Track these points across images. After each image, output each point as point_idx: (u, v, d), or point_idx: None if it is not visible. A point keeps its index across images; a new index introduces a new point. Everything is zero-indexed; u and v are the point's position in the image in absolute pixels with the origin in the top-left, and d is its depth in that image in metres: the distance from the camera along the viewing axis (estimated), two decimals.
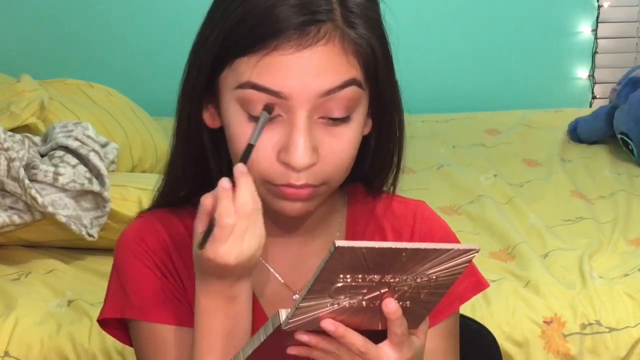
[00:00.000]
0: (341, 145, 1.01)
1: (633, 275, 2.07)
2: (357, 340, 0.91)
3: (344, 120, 1.00)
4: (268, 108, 0.98)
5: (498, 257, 2.18)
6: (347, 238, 1.14)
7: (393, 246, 0.85)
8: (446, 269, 0.89)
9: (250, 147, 0.98)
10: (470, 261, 0.89)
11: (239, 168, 0.97)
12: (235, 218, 0.95)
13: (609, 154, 2.92)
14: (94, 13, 3.37)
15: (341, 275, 0.86)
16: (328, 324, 0.90)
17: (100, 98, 2.65)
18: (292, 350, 0.93)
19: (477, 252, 0.88)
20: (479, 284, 1.17)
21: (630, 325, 1.94)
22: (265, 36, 0.96)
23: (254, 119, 0.98)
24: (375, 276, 0.87)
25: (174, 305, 1.08)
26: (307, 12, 0.97)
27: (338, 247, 0.83)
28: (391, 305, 0.90)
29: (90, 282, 2.01)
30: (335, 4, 0.99)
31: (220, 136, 1.06)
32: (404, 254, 0.85)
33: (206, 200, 0.98)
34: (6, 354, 1.82)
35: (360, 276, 0.87)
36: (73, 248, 2.13)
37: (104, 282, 1.97)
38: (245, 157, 0.98)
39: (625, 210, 2.46)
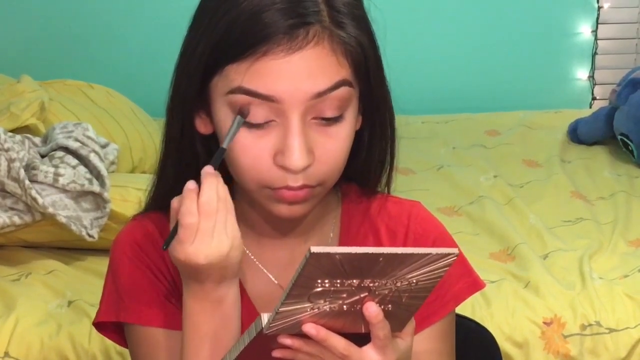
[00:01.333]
0: (335, 145, 1.01)
1: (633, 276, 2.07)
2: (339, 343, 0.91)
3: (337, 119, 1.01)
4: (242, 112, 0.98)
5: (498, 257, 2.18)
6: (341, 238, 1.14)
7: (369, 251, 0.85)
8: (426, 273, 0.88)
9: (221, 151, 0.99)
10: (450, 265, 0.88)
11: (206, 169, 0.99)
12: (197, 217, 0.96)
13: (608, 155, 2.92)
14: (94, 14, 3.37)
15: (319, 281, 0.86)
16: (309, 328, 0.90)
17: (100, 99, 2.65)
18: (276, 354, 0.93)
19: (455, 256, 0.88)
20: (474, 284, 1.17)
21: (630, 326, 1.94)
22: (254, 42, 0.96)
23: (246, 123, 0.99)
24: (354, 281, 0.87)
25: (167, 308, 1.09)
26: (294, 15, 0.97)
27: (313, 253, 0.83)
28: (372, 309, 0.90)
29: (91, 282, 2.01)
30: (322, 4, 0.99)
31: (212, 141, 1.06)
32: (381, 259, 0.85)
33: (174, 202, 1.00)
34: (6, 354, 1.82)
35: (338, 281, 0.86)
36: (73, 249, 2.13)
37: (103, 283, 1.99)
38: (216, 161, 0.99)
39: (625, 211, 2.46)
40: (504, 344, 1.90)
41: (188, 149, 1.06)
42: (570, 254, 2.18)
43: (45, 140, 2.22)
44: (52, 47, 3.38)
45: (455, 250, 0.88)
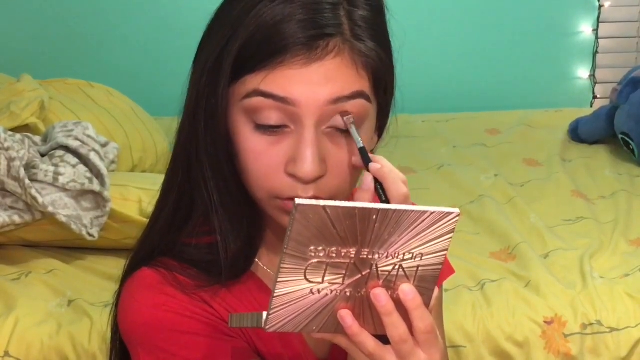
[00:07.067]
0: (349, 157, 0.99)
1: (634, 275, 2.07)
2: (369, 342, 0.87)
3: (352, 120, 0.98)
4: (347, 117, 0.97)
5: (498, 257, 2.18)
6: None
7: (359, 206, 0.79)
8: (428, 242, 0.83)
9: (363, 150, 0.96)
10: (453, 230, 0.82)
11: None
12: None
13: (609, 154, 2.92)
14: (94, 13, 3.38)
15: (312, 247, 0.81)
16: (346, 314, 0.85)
17: (100, 98, 2.65)
18: (317, 335, 0.89)
19: (457, 216, 0.82)
20: (447, 270, 1.15)
21: (631, 326, 1.94)
22: (272, 53, 0.94)
23: (260, 127, 0.97)
24: (351, 250, 0.81)
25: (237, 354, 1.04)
26: (315, 26, 0.95)
27: (299, 204, 0.78)
28: (381, 298, 0.84)
29: (91, 282, 2.02)
30: (343, 17, 0.97)
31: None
32: (374, 216, 0.80)
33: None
34: (6, 353, 1.82)
35: (334, 249, 0.81)
36: (73, 248, 2.13)
37: (104, 282, 1.99)
38: (365, 160, 0.96)
39: (626, 210, 2.46)
40: (504, 344, 1.90)
41: (224, 162, 1.01)
42: (570, 253, 2.18)
43: (45, 139, 2.22)
44: (52, 46, 3.38)
45: (456, 210, 0.82)
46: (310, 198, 0.97)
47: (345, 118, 0.97)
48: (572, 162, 2.86)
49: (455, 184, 2.65)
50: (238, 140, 0.99)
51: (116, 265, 2.03)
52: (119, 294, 1.09)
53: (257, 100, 0.96)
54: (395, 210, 0.80)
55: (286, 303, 0.84)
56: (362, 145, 0.97)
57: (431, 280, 0.86)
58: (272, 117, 0.96)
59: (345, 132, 0.98)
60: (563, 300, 1.97)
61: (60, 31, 3.38)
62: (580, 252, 2.18)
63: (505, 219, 2.38)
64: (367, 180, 0.95)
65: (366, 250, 0.82)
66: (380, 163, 0.96)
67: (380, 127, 1.07)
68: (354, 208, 0.79)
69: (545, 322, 1.93)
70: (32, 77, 2.57)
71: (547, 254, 2.19)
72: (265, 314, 0.85)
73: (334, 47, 0.95)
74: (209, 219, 1.04)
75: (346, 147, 0.99)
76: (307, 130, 0.96)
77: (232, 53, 0.97)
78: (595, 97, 3.61)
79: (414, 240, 0.83)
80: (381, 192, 0.96)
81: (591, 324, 1.93)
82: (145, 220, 1.12)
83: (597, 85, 3.60)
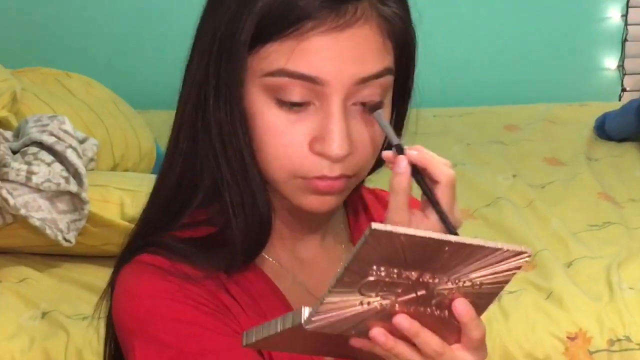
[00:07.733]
0: (374, 132, 1.02)
1: None
2: (433, 340, 0.89)
3: (378, 105, 1.01)
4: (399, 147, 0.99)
5: None
6: (351, 232, 1.16)
7: (436, 237, 0.83)
8: (492, 273, 0.87)
9: (399, 147, 0.99)
10: (520, 267, 0.87)
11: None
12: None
13: (639, 153, 2.93)
14: None
15: (374, 267, 0.84)
16: (402, 319, 0.87)
17: (78, 89, 2.66)
18: (356, 343, 0.91)
19: (528, 256, 0.86)
20: None
21: None
22: (299, 18, 0.97)
23: (282, 103, 0.99)
24: (413, 273, 0.86)
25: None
26: None
27: (374, 230, 0.81)
28: (462, 307, 0.88)
29: (67, 292, 2.02)
30: None
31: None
32: (447, 247, 0.84)
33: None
34: None
35: (396, 271, 0.85)
36: (48, 254, 2.13)
37: (81, 292, 1.99)
38: (399, 151, 0.99)
39: None
40: None
41: (240, 135, 1.02)
42: (596, 262, 2.18)
43: (17, 135, 2.22)
44: (26, 33, 3.38)
45: (528, 250, 0.86)
46: (337, 177, 1.00)
47: (375, 113, 1.00)
48: (599, 161, 2.86)
49: (470, 186, 2.65)
50: (255, 117, 1.01)
51: (95, 274, 2.03)
52: (113, 280, 1.10)
53: (282, 80, 0.98)
54: (469, 245, 0.85)
55: (332, 310, 0.87)
56: (397, 141, 0.99)
57: (482, 307, 0.91)
58: (296, 93, 0.99)
59: (372, 107, 1.01)
60: (588, 313, 1.97)
61: (34, 16, 3.38)
62: (607, 260, 2.18)
63: (524, 223, 2.38)
64: (402, 164, 0.98)
65: (428, 275, 0.86)
66: (417, 149, 0.99)
67: (403, 97, 1.09)
68: (430, 238, 0.83)
69: (568, 337, 1.94)
70: (3, 65, 2.57)
71: (570, 262, 2.19)
72: (306, 310, 0.88)
73: (362, 13, 0.98)
74: (212, 205, 1.06)
75: (372, 122, 1.02)
76: (334, 107, 0.98)
77: (252, 17, 0.98)
78: (624, 90, 3.62)
79: (478, 271, 0.87)
80: (420, 179, 0.99)
81: (619, 340, 1.94)
82: (128, 225, 1.12)
83: (626, 76, 3.61)
